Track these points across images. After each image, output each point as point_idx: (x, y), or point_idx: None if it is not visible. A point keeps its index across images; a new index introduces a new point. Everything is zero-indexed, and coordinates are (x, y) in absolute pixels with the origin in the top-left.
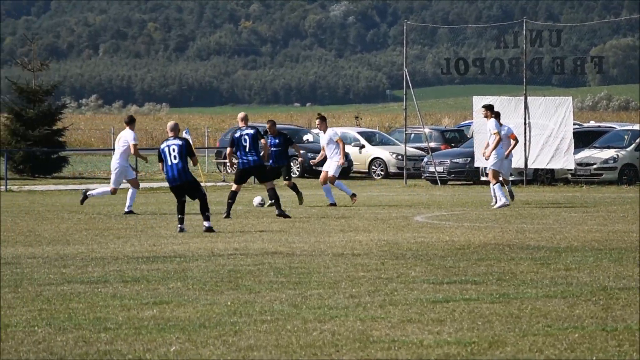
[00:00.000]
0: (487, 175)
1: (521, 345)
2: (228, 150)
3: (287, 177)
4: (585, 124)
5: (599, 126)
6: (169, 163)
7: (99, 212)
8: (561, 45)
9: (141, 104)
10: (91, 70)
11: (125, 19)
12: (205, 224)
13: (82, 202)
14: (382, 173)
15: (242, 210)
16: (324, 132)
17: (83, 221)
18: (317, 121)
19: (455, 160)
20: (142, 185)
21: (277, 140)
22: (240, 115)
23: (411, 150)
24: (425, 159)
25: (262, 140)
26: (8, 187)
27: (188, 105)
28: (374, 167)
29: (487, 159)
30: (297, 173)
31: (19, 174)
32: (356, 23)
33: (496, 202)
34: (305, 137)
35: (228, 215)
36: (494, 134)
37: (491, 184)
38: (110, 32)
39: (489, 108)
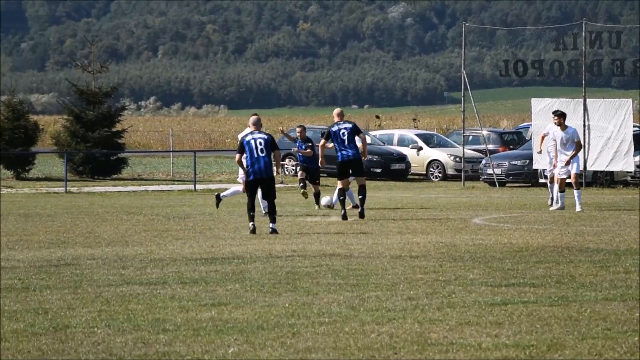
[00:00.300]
0: (547, 178)
1: (580, 349)
2: (322, 142)
3: (317, 182)
4: None
5: None
6: (255, 155)
7: (158, 214)
8: (621, 46)
9: (199, 106)
10: (150, 72)
11: (184, 20)
12: (272, 225)
13: (217, 205)
14: (440, 175)
15: (299, 212)
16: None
17: (142, 222)
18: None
19: (513, 162)
20: (199, 186)
21: (303, 147)
22: (337, 110)
23: (469, 152)
24: (484, 161)
25: (361, 135)
26: (68, 188)
27: (246, 107)
28: (431, 169)
29: (566, 164)
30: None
31: (79, 175)
32: (414, 24)
33: (557, 204)
34: None
35: (345, 217)
36: (577, 142)
37: (575, 190)
38: (170, 34)
39: (562, 116)
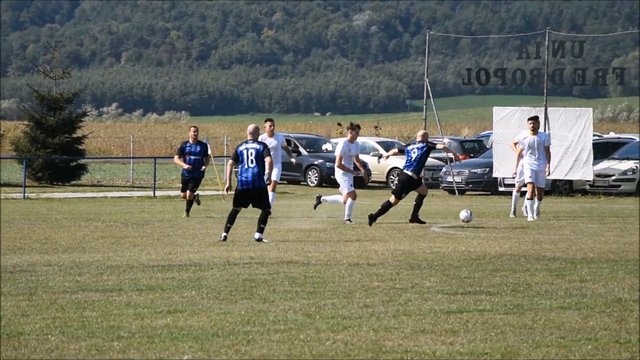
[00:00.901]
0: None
1: (534, 357)
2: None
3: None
4: (605, 135)
5: (619, 137)
6: (246, 166)
7: (116, 220)
8: (583, 56)
9: (161, 113)
10: (112, 78)
11: (149, 27)
12: (257, 235)
13: (315, 206)
14: None
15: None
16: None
17: (100, 229)
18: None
19: (473, 171)
20: (158, 193)
21: (197, 149)
22: (420, 132)
23: (430, 160)
24: (444, 169)
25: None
26: (26, 194)
27: (208, 113)
28: (392, 177)
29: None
30: (315, 182)
31: (38, 181)
32: (379, 32)
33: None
34: (324, 147)
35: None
36: (547, 147)
37: (538, 200)
38: (133, 40)
39: (537, 120)
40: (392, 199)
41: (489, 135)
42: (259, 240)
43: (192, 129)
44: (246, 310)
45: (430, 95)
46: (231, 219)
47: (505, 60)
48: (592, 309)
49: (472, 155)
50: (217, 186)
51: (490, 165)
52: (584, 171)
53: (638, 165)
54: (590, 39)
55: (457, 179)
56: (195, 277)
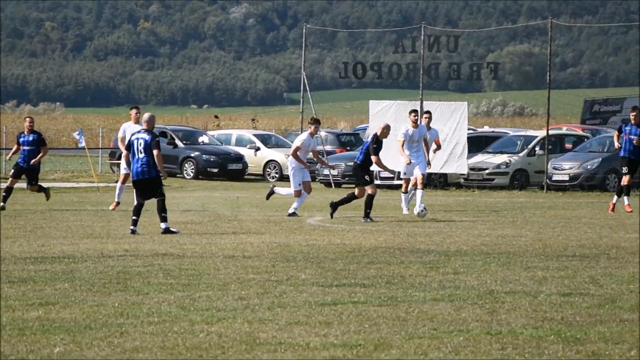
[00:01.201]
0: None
1: (406, 348)
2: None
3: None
4: (480, 129)
5: (493, 131)
6: (136, 157)
7: None
8: (458, 50)
9: (36, 104)
10: None
11: (23, 17)
12: (163, 225)
13: (267, 197)
14: (277, 175)
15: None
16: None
17: None
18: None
19: (350, 164)
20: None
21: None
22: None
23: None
24: None
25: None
26: None
27: (84, 105)
28: (268, 170)
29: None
30: (192, 174)
31: None
32: (256, 25)
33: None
34: (200, 139)
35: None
36: (426, 140)
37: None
38: (7, 31)
39: (417, 113)
40: (356, 191)
41: (366, 129)
42: (166, 230)
43: (28, 119)
44: (120, 303)
45: (308, 88)
46: (136, 211)
47: (382, 54)
48: (465, 301)
49: (348, 148)
50: (92, 178)
51: None
52: (459, 165)
53: (511, 159)
54: (465, 34)
55: (334, 172)
56: (69, 269)
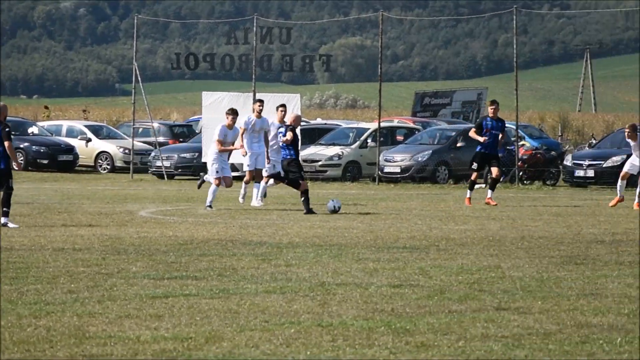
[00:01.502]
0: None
1: (238, 341)
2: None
3: None
4: (312, 121)
5: (325, 123)
6: None
7: None
8: (291, 42)
9: None
10: None
11: None
12: (3, 219)
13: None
14: (109, 167)
15: None
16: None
17: None
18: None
19: (182, 155)
20: None
21: None
22: None
23: (138, 144)
24: (153, 154)
25: None
26: None
27: None
28: (100, 161)
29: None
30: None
31: None
32: (87, 15)
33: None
34: (30, 130)
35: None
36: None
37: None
38: None
39: (262, 103)
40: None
41: (199, 120)
42: (5, 225)
43: None
44: None
45: (140, 79)
46: (4, 203)
47: (215, 45)
48: (296, 293)
49: (181, 140)
50: None
51: (199, 150)
52: None
53: (344, 151)
54: (298, 25)
55: (166, 163)
56: None
